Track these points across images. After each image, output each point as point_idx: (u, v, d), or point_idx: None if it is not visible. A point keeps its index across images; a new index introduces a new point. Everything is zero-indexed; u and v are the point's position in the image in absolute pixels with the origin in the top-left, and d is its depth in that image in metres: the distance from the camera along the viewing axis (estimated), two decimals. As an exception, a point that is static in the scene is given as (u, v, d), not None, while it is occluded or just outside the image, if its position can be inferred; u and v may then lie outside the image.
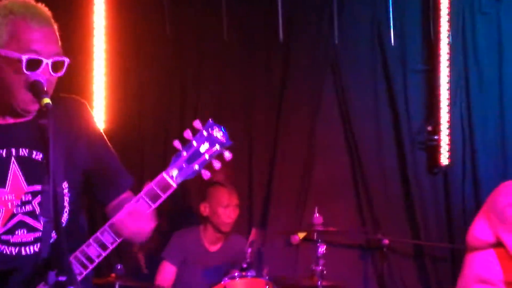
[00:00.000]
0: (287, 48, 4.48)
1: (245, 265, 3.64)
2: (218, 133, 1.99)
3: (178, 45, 4.54)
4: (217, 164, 1.95)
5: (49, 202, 1.85)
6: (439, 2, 4.48)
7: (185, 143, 1.94)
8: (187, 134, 1.95)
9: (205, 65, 4.58)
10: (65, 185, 2.05)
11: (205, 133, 1.96)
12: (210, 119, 1.97)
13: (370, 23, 4.61)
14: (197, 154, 1.96)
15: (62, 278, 1.65)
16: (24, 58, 1.82)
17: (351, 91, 4.43)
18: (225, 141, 1.97)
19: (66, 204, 2.05)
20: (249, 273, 3.61)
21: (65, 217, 2.05)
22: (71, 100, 2.10)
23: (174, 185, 1.91)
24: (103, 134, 2.17)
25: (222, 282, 3.59)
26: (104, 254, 1.93)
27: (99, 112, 4.34)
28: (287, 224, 4.39)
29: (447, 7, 4.49)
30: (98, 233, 1.93)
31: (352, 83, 4.41)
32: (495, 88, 4.58)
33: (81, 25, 4.28)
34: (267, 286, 3.62)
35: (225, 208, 4.02)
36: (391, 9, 4.62)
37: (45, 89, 1.82)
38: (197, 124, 1.94)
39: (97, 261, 1.93)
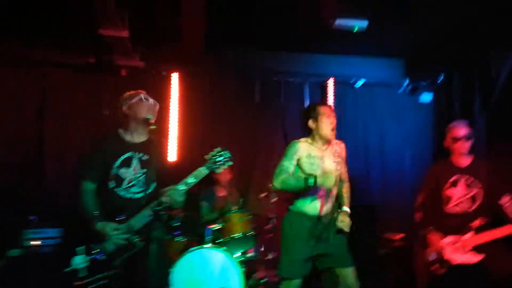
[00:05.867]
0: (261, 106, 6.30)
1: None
2: (226, 154, 3.11)
3: (211, 110, 6.18)
4: (223, 167, 3.08)
5: (147, 178, 2.94)
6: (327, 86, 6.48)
7: (212, 156, 3.10)
8: (213, 152, 3.10)
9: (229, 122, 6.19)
10: (155, 172, 3.09)
11: (220, 153, 3.09)
12: (224, 148, 3.11)
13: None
14: (216, 161, 3.08)
15: (158, 208, 2.82)
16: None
17: (287, 119, 6.20)
18: (229, 156, 3.09)
19: (154, 179, 3.11)
20: (239, 210, 4.90)
21: (153, 186, 3.07)
22: (163, 138, 3.37)
23: (207, 171, 2.98)
24: (166, 155, 3.31)
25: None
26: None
27: (173, 148, 5.93)
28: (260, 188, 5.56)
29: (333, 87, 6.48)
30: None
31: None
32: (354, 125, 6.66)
33: (164, 98, 5.89)
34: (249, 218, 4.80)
35: (224, 179, 5.54)
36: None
37: (153, 122, 2.97)
38: (217, 149, 3.11)
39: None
